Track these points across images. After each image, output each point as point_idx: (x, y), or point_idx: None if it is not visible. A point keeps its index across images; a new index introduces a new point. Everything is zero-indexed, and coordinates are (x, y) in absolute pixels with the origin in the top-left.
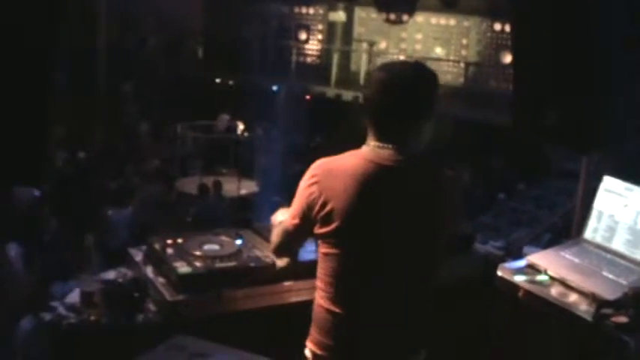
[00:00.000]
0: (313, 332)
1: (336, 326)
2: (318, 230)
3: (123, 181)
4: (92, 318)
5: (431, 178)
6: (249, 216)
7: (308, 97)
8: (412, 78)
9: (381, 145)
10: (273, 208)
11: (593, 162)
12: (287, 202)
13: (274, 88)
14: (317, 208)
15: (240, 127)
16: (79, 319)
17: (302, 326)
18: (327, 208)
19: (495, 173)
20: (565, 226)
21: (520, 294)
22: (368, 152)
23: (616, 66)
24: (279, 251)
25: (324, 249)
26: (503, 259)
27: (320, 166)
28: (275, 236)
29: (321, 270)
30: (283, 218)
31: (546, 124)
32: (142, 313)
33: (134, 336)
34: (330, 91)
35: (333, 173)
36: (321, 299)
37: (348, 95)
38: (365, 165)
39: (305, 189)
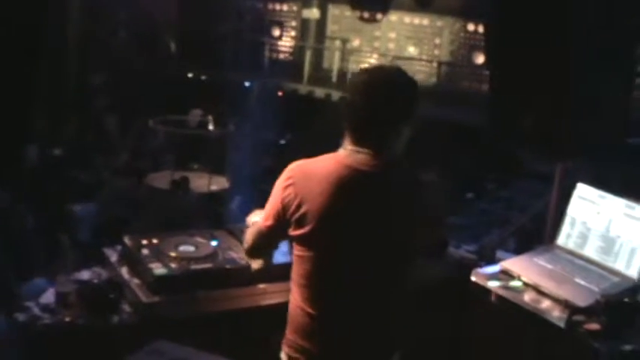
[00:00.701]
0: (288, 334)
1: (310, 328)
2: (292, 232)
3: (93, 175)
4: (67, 319)
5: (407, 183)
6: (220, 212)
7: (280, 93)
8: (392, 82)
9: (358, 149)
10: (245, 205)
11: (567, 168)
12: (258, 199)
13: (247, 84)
14: (292, 209)
15: (211, 123)
16: (54, 320)
17: (277, 328)
18: (302, 210)
19: (465, 173)
20: (535, 228)
21: (493, 299)
22: (345, 156)
23: (592, 74)
24: (252, 253)
25: (298, 251)
26: (476, 264)
27: (296, 168)
28: (249, 237)
29: (295, 272)
30: (256, 219)
31: (521, 130)
32: (117, 314)
33: (110, 337)
34: (303, 88)
35: (309, 176)
36: (295, 301)
37: (320, 92)
38: (341, 169)
39: (280, 190)
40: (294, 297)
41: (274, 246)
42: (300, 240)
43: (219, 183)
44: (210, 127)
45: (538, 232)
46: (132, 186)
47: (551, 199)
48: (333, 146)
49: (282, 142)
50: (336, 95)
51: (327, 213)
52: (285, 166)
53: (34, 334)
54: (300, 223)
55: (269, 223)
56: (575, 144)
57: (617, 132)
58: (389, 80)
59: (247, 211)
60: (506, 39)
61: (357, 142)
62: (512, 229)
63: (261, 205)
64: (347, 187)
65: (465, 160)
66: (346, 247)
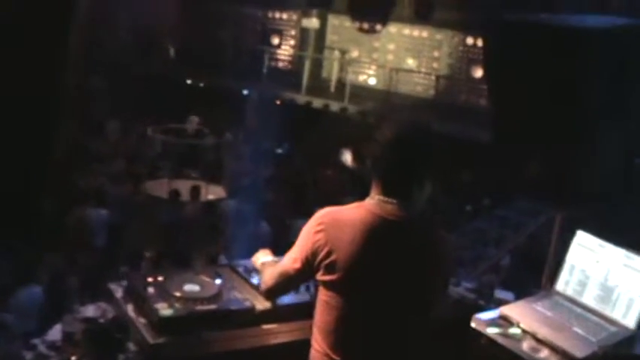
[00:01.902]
0: None
1: None
2: (321, 277)
3: (91, 180)
4: (73, 358)
5: (430, 235)
6: (216, 222)
7: (278, 102)
8: (424, 139)
9: (386, 199)
10: (242, 216)
11: (567, 216)
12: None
13: (245, 92)
14: (321, 255)
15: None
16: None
17: None
18: (332, 257)
19: (463, 187)
20: (530, 247)
21: (492, 346)
22: (373, 205)
23: (596, 126)
24: (272, 294)
25: (325, 296)
26: (476, 304)
27: (326, 214)
28: (269, 278)
29: (320, 317)
30: (265, 260)
31: (525, 178)
32: (123, 353)
33: None
34: (301, 98)
35: (339, 223)
36: (318, 345)
37: (318, 103)
38: (371, 218)
39: (311, 235)
40: (318, 343)
41: (296, 288)
42: (329, 286)
43: (216, 192)
44: (207, 136)
45: (532, 252)
46: (130, 193)
47: (551, 244)
48: (329, 157)
49: (280, 151)
50: (334, 106)
51: (356, 261)
52: (282, 176)
53: None
54: (329, 270)
55: (297, 266)
56: (578, 194)
57: (620, 182)
58: (420, 137)
59: (243, 220)
60: (512, 89)
61: (386, 193)
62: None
63: (256, 214)
64: (376, 236)
65: (464, 174)
66: (375, 295)
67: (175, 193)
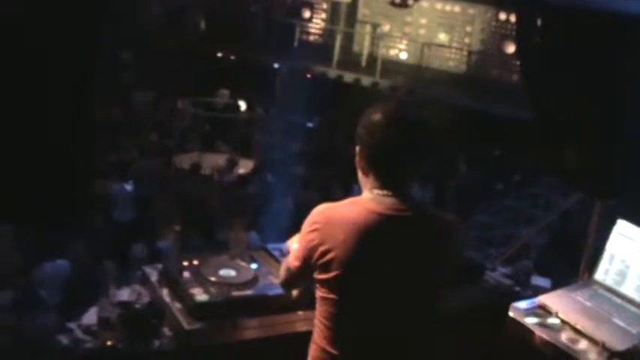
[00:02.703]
0: None
1: None
2: (317, 276)
3: (122, 154)
4: (109, 342)
5: (432, 225)
6: (247, 196)
7: (308, 76)
8: (412, 116)
9: (383, 192)
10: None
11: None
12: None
13: (275, 65)
14: (316, 255)
15: (242, 105)
16: (96, 344)
17: None
18: (327, 256)
19: (493, 163)
20: (563, 227)
21: (530, 337)
22: (370, 201)
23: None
24: (286, 286)
25: (321, 293)
26: (512, 290)
27: (321, 213)
28: (282, 272)
29: (318, 312)
30: (296, 246)
31: (566, 167)
32: (158, 338)
33: None
34: (332, 72)
35: (333, 222)
36: (318, 338)
37: (349, 77)
38: (367, 215)
39: (305, 234)
40: (317, 334)
41: (304, 283)
42: (325, 284)
43: (246, 165)
44: (242, 106)
45: (564, 231)
46: (160, 166)
47: (589, 233)
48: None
49: (310, 125)
50: (365, 80)
51: (352, 260)
52: (312, 149)
53: (77, 358)
54: (324, 269)
55: (297, 264)
56: (618, 182)
57: None
58: (408, 114)
59: (273, 196)
60: (552, 80)
61: (383, 185)
62: (540, 228)
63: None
64: (373, 235)
65: (495, 150)
66: (372, 292)
67: (199, 167)
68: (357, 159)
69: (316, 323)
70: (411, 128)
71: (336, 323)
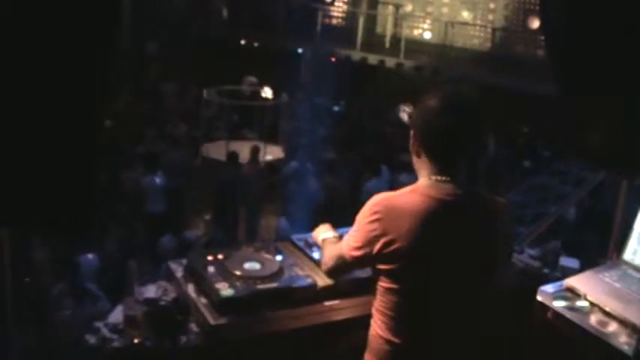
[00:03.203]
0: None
1: (393, 357)
2: (380, 266)
3: (149, 146)
4: (136, 340)
5: (488, 209)
6: (275, 182)
7: (333, 59)
8: (468, 101)
9: (441, 178)
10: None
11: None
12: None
13: (299, 50)
14: (379, 245)
15: (268, 92)
16: (124, 343)
17: (344, 344)
18: (392, 247)
19: (521, 140)
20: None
21: (558, 320)
22: (428, 188)
23: None
24: (333, 274)
25: (384, 283)
26: (540, 272)
27: (381, 202)
28: (329, 259)
29: (380, 302)
30: (326, 236)
31: (591, 147)
32: (185, 335)
33: (178, 358)
34: (356, 54)
35: (396, 211)
36: (379, 329)
37: (373, 59)
38: (428, 202)
39: (366, 224)
40: (377, 324)
41: (354, 271)
42: (390, 274)
43: (274, 152)
44: (265, 94)
45: (595, 207)
46: (188, 156)
47: (617, 213)
48: (385, 113)
49: (336, 108)
50: (390, 61)
51: (418, 250)
52: (340, 133)
53: (105, 357)
54: (389, 260)
55: (355, 253)
56: None
57: None
58: (464, 98)
59: (302, 181)
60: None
61: (440, 171)
62: (570, 204)
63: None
64: (436, 223)
65: (522, 127)
66: (437, 279)
67: (233, 155)
68: (411, 142)
69: (376, 314)
70: (466, 113)
71: (400, 313)
